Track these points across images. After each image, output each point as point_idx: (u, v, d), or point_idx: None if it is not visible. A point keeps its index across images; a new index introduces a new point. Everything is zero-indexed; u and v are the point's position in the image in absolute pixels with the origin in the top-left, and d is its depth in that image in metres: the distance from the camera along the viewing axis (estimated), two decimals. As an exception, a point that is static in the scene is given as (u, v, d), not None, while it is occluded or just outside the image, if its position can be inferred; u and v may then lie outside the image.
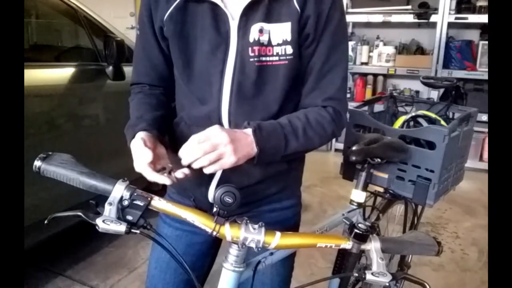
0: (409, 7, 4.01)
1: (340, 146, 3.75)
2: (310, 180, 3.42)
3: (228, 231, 0.70)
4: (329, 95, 0.87)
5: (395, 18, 3.97)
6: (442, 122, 1.40)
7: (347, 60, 0.91)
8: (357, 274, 0.73)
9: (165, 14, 0.85)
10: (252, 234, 0.70)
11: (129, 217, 0.66)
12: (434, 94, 3.65)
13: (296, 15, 0.81)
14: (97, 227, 0.64)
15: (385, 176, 1.32)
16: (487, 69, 3.66)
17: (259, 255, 0.87)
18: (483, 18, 3.63)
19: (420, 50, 4.21)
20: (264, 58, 0.82)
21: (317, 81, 0.87)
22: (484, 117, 3.32)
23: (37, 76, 1.81)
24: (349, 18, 4.22)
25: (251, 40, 0.81)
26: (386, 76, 4.42)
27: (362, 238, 0.75)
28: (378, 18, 4.03)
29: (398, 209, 1.59)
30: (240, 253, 0.76)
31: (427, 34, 4.12)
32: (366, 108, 1.55)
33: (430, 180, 1.25)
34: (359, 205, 1.24)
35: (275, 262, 0.93)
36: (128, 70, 2.15)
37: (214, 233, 0.70)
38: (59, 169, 0.69)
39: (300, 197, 1.05)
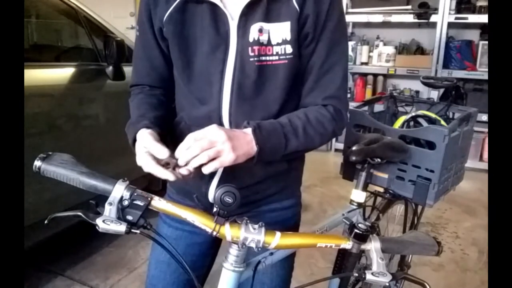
0: (409, 7, 4.01)
1: (340, 146, 3.76)
2: (310, 180, 3.42)
3: (228, 231, 0.70)
4: (329, 93, 0.87)
5: (395, 18, 3.97)
6: (442, 122, 1.40)
7: (346, 59, 0.91)
8: (357, 274, 0.73)
9: (165, 14, 0.85)
10: (252, 234, 0.70)
11: (129, 217, 0.66)
12: (434, 94, 3.65)
13: (296, 15, 0.81)
14: (97, 227, 0.64)
15: (385, 176, 1.33)
16: (487, 69, 3.66)
17: (259, 255, 0.87)
18: (483, 18, 3.63)
19: (420, 50, 4.21)
20: (264, 58, 0.82)
21: (317, 80, 0.87)
22: (484, 117, 3.33)
23: (37, 76, 1.81)
24: (349, 18, 4.23)
25: (250, 40, 0.81)
26: (386, 76, 4.42)
27: (362, 238, 0.75)
28: (378, 18, 4.03)
29: (398, 209, 1.59)
30: (240, 253, 0.76)
31: (427, 34, 4.12)
32: (366, 108, 1.55)
33: (430, 180, 1.25)
34: (359, 205, 1.24)
35: (275, 262, 0.93)
36: (128, 70, 2.15)
37: (214, 233, 0.70)
38: (59, 169, 0.69)
39: (300, 197, 1.05)
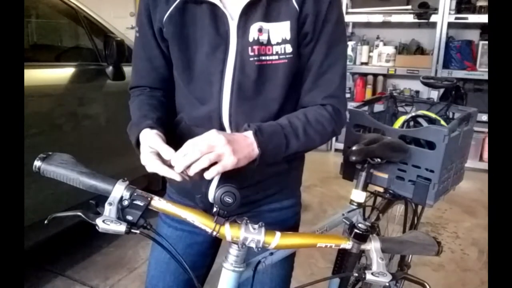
0: (409, 7, 4.01)
1: (340, 146, 3.76)
2: (310, 180, 3.42)
3: (228, 231, 0.70)
4: (328, 93, 0.87)
5: (395, 18, 3.97)
6: (442, 122, 1.40)
7: (345, 59, 0.91)
8: (357, 274, 0.74)
9: (165, 15, 0.84)
10: (252, 234, 0.70)
11: (129, 217, 0.66)
12: (434, 94, 3.65)
13: (295, 14, 0.81)
14: (97, 227, 0.64)
15: (385, 176, 1.33)
16: (487, 69, 3.66)
17: (259, 255, 0.87)
18: (483, 18, 3.63)
19: (420, 50, 4.21)
20: (263, 57, 0.82)
21: (315, 80, 0.87)
22: (484, 117, 3.33)
23: (37, 76, 1.81)
24: (349, 18, 4.23)
25: (250, 39, 0.81)
26: (386, 76, 4.42)
27: (362, 238, 0.76)
28: (378, 18, 4.03)
29: (398, 209, 1.59)
30: (240, 253, 0.76)
31: (427, 34, 4.12)
32: (366, 108, 1.55)
33: (430, 180, 1.25)
34: (359, 205, 1.24)
35: (275, 262, 0.93)
36: (128, 70, 2.15)
37: (214, 233, 0.70)
38: (59, 169, 0.69)
39: (300, 197, 1.05)
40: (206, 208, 0.89)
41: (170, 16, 0.84)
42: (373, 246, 0.76)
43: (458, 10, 3.77)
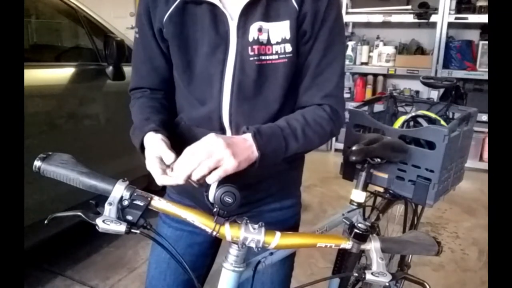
0: (409, 7, 4.01)
1: (340, 146, 3.75)
2: (310, 180, 3.42)
3: (228, 231, 0.70)
4: (326, 92, 0.87)
5: (395, 18, 3.97)
6: (442, 122, 1.40)
7: (344, 58, 0.91)
8: (357, 274, 0.74)
9: (164, 16, 0.84)
10: (252, 234, 0.70)
11: (129, 217, 0.66)
12: (434, 94, 3.65)
13: (295, 13, 0.81)
14: (97, 227, 0.64)
15: (385, 176, 1.32)
16: (487, 69, 3.66)
17: (259, 255, 0.87)
18: (483, 18, 3.63)
19: (420, 50, 4.21)
20: (263, 57, 0.82)
21: (314, 79, 0.87)
22: (484, 117, 3.32)
23: (37, 76, 1.81)
24: (349, 18, 4.23)
25: (250, 39, 0.81)
26: (386, 76, 4.42)
27: (362, 238, 0.76)
28: (378, 18, 4.03)
29: (398, 209, 1.59)
30: (240, 253, 0.76)
31: (427, 34, 4.12)
32: (366, 108, 1.55)
33: (430, 180, 1.25)
34: (359, 205, 1.24)
35: (275, 262, 0.93)
36: (128, 70, 2.15)
37: (214, 233, 0.70)
38: (59, 169, 0.69)
39: (300, 197, 1.05)
40: (205, 208, 0.89)
41: (170, 16, 0.84)
42: (373, 246, 0.76)
43: (458, 10, 3.77)
